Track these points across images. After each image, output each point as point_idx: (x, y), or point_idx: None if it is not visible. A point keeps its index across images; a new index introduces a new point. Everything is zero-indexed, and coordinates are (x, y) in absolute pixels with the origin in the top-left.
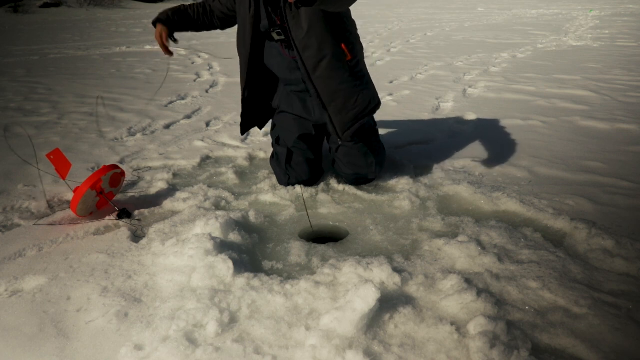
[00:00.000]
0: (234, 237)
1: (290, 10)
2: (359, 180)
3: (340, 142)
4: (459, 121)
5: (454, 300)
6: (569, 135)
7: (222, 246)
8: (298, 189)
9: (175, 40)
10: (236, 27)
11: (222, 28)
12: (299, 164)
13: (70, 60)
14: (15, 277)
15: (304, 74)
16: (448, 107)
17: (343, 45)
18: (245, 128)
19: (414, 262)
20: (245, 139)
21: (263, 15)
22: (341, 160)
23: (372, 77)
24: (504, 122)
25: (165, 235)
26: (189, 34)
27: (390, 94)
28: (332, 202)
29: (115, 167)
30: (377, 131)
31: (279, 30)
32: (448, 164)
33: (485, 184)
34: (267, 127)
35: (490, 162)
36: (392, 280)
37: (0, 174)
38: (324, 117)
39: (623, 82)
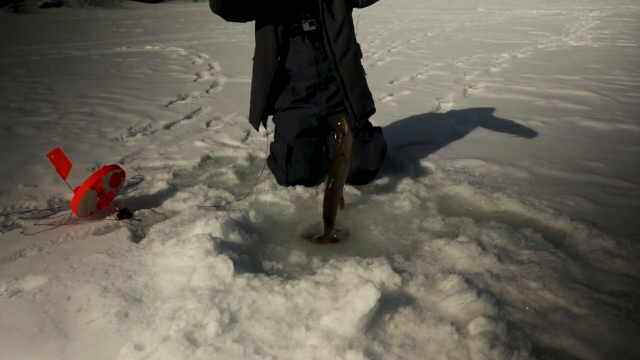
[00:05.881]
0: (234, 237)
1: (325, 4)
2: (360, 178)
3: (357, 125)
4: (459, 121)
5: (454, 301)
6: (569, 136)
7: (222, 246)
8: (298, 189)
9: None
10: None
11: (237, 17)
12: (298, 161)
13: (70, 60)
14: (16, 277)
15: (331, 62)
16: (448, 107)
17: (358, 45)
18: (259, 122)
19: (414, 262)
20: (245, 139)
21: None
22: None
23: (372, 77)
24: (504, 122)
25: (166, 235)
26: (189, 34)
27: (391, 94)
28: None
29: (115, 167)
30: (379, 128)
31: (312, 20)
32: (448, 164)
33: (485, 184)
34: (269, 127)
35: (490, 162)
36: (392, 281)
37: (0, 174)
38: (331, 106)
39: (623, 83)
